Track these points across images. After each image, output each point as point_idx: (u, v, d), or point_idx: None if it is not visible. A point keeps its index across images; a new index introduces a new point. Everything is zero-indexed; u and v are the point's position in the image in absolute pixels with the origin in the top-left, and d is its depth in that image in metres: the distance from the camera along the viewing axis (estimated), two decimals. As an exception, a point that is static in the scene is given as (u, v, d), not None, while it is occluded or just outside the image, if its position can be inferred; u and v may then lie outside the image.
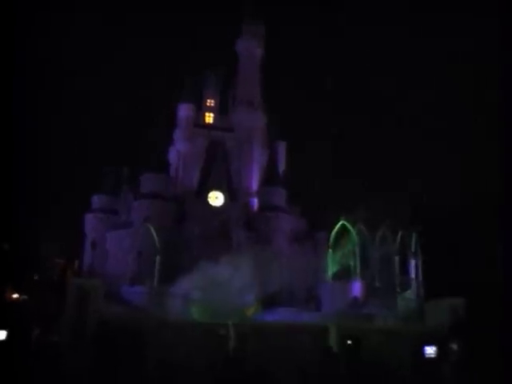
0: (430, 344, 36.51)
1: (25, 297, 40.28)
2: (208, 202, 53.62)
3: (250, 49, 61.94)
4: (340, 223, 48.17)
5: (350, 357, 34.69)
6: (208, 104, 61.05)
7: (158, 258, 44.99)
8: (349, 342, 36.67)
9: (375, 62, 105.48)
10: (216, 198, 53.96)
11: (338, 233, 48.13)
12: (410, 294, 46.55)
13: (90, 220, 56.15)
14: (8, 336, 32.03)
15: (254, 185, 58.12)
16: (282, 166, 59.91)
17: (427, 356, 36.42)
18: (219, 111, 61.42)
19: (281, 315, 41.94)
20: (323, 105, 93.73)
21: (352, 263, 47.42)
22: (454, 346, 35.33)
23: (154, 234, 45.88)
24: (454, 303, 39.83)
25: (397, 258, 47.51)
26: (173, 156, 58.94)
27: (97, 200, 56.69)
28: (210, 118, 60.81)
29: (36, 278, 44.46)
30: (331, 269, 47.20)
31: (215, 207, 53.53)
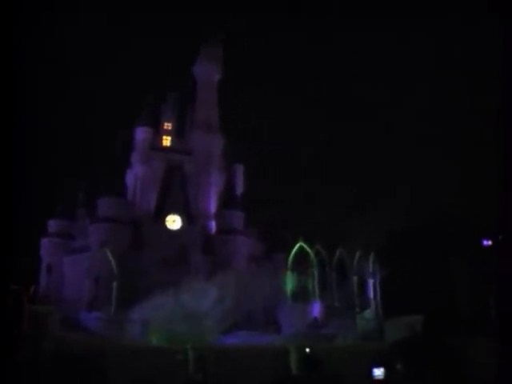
0: (377, 366, 36.59)
1: None
2: (166, 226, 53.38)
3: (208, 72, 62.19)
4: (298, 245, 48.42)
5: (310, 377, 34.60)
6: (165, 127, 60.85)
7: (115, 283, 44.39)
8: (307, 353, 36.58)
9: (363, 69, 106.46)
10: (173, 222, 53.78)
11: (296, 254, 48.33)
12: (369, 313, 46.97)
13: (45, 244, 55.28)
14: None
15: (212, 208, 58.06)
16: (239, 189, 60.03)
17: (376, 378, 36.51)
18: (177, 134, 61.26)
19: (240, 338, 41.78)
20: (305, 111, 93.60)
21: (311, 284, 47.67)
22: (399, 366, 35.45)
23: (111, 259, 45.32)
24: (412, 321, 40.39)
25: (355, 278, 47.94)
26: (130, 179, 58.51)
27: (52, 224, 55.89)
28: (167, 141, 60.57)
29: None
30: (290, 290, 47.28)
31: (173, 231, 53.30)
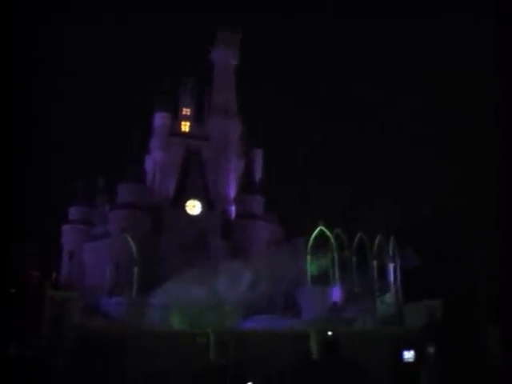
0: (408, 348, 36.72)
1: (0, 311, 39.71)
2: (185, 211, 53.51)
3: (226, 58, 61.99)
4: (318, 229, 48.26)
5: (329, 361, 34.65)
6: (184, 113, 60.83)
7: (135, 269, 44.61)
8: (328, 337, 36.65)
9: (359, 69, 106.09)
10: (193, 207, 53.89)
11: (315, 238, 48.14)
12: (388, 297, 46.72)
13: (66, 231, 55.78)
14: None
15: (232, 193, 58.10)
16: (258, 174, 59.94)
17: (406, 360, 36.65)
18: (195, 120, 61.25)
19: (260, 322, 41.87)
20: (301, 111, 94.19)
21: (330, 268, 47.58)
22: (431, 350, 35.54)
23: (132, 245, 45.55)
24: (431, 305, 40.30)
25: (375, 263, 47.72)
26: (149, 165, 58.73)
27: (73, 211, 56.32)
28: (186, 126, 60.58)
29: (12, 291, 43.89)
30: (310, 275, 47.21)
31: (192, 216, 53.43)
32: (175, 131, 59.64)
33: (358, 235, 48.37)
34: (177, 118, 60.29)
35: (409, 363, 36.12)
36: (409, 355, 36.49)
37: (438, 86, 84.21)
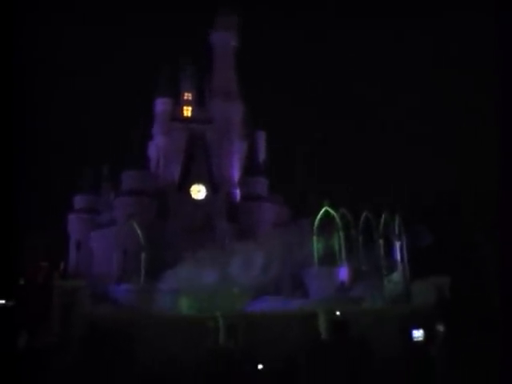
0: (417, 327, 36.79)
1: (11, 302, 40.03)
2: (190, 196, 53.53)
3: (225, 40, 61.61)
4: (323, 209, 48.28)
5: (338, 341, 34.85)
6: (185, 97, 60.60)
7: (143, 255, 44.75)
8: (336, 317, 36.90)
9: (359, 64, 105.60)
10: (198, 192, 53.90)
11: (321, 219, 48.21)
12: (395, 276, 46.78)
13: (73, 221, 55.92)
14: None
15: (236, 175, 58.03)
16: (262, 156, 59.83)
17: (415, 339, 36.77)
18: (197, 103, 61.01)
19: (269, 304, 42.05)
20: (300, 94, 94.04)
21: (337, 248, 47.67)
22: (441, 328, 35.60)
23: (138, 231, 45.65)
24: (439, 282, 40.35)
25: (381, 241, 47.70)
26: (152, 151, 58.62)
27: (79, 200, 56.44)
28: (188, 111, 60.41)
29: (22, 282, 44.21)
30: (317, 255, 47.31)
31: (198, 200, 53.46)
32: (177, 116, 59.47)
33: (364, 214, 48.33)
34: (178, 103, 60.08)
35: (418, 342, 36.22)
36: (418, 334, 36.58)
37: (438, 84, 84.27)
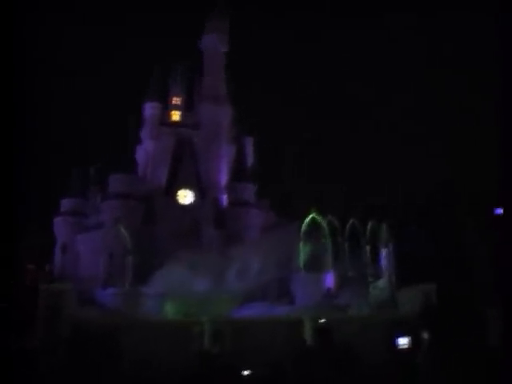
0: (402, 335, 36.90)
1: (3, 304, 39.86)
2: (177, 201, 53.55)
3: (215, 44, 61.62)
4: (310, 215, 48.43)
5: (323, 347, 34.93)
6: (174, 102, 60.68)
7: (129, 259, 44.68)
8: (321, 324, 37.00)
9: (350, 64, 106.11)
10: (185, 197, 53.92)
11: (308, 224, 48.34)
12: (382, 282, 46.99)
13: (59, 223, 55.54)
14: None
15: (223, 180, 58.02)
16: (250, 161, 59.90)
17: (400, 347, 36.88)
18: (186, 108, 61.08)
19: (254, 310, 42.07)
20: (290, 98, 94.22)
21: (324, 254, 47.80)
22: (425, 335, 35.77)
23: (125, 235, 45.55)
24: (426, 289, 40.54)
25: (368, 248, 47.96)
26: (140, 155, 58.51)
27: (66, 203, 56.08)
28: (176, 115, 60.47)
29: (11, 284, 44.02)
30: (303, 261, 47.43)
31: (185, 205, 53.48)
32: (166, 121, 59.52)
33: (351, 221, 48.60)
34: (167, 108, 60.15)
35: (403, 350, 36.35)
36: (403, 341, 36.71)
37: (432, 85, 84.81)
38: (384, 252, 48.70)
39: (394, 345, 36.52)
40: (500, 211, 46.42)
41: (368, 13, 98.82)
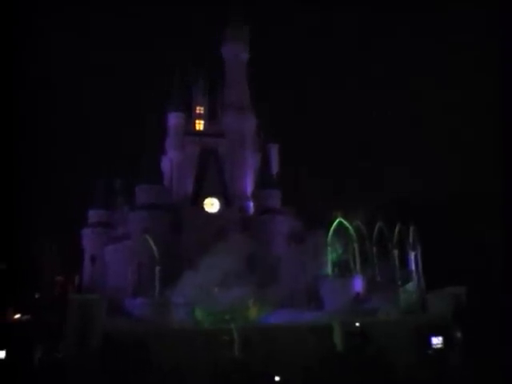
0: (436, 334, 36.76)
1: (27, 316, 40.22)
2: (204, 209, 53.66)
3: (236, 53, 61.93)
4: (337, 220, 48.26)
5: (356, 352, 34.75)
6: (198, 111, 60.94)
7: (157, 268, 44.82)
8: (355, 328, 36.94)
9: (375, 71, 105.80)
10: (212, 205, 54.03)
11: (335, 230, 48.17)
12: (411, 286, 46.60)
13: (87, 235, 56.11)
14: (8, 355, 32.07)
15: (249, 188, 58.15)
16: (275, 168, 59.92)
17: (434, 346, 36.73)
18: (209, 117, 61.30)
19: (284, 316, 41.99)
20: (313, 104, 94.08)
21: (351, 259, 47.61)
22: (458, 334, 35.57)
23: (153, 245, 45.74)
24: (456, 292, 40.20)
25: (395, 252, 47.60)
26: (165, 165, 58.80)
27: (93, 214, 56.64)
28: (200, 125, 60.73)
29: (37, 296, 44.40)
30: (331, 266, 47.29)
31: (211, 214, 53.57)
32: (190, 130, 59.77)
33: (378, 225, 48.33)
34: (191, 117, 60.39)
35: (437, 349, 36.24)
36: (437, 341, 36.61)
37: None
38: (412, 255, 48.35)
39: (428, 344, 36.46)
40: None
41: (380, 10, 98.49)
